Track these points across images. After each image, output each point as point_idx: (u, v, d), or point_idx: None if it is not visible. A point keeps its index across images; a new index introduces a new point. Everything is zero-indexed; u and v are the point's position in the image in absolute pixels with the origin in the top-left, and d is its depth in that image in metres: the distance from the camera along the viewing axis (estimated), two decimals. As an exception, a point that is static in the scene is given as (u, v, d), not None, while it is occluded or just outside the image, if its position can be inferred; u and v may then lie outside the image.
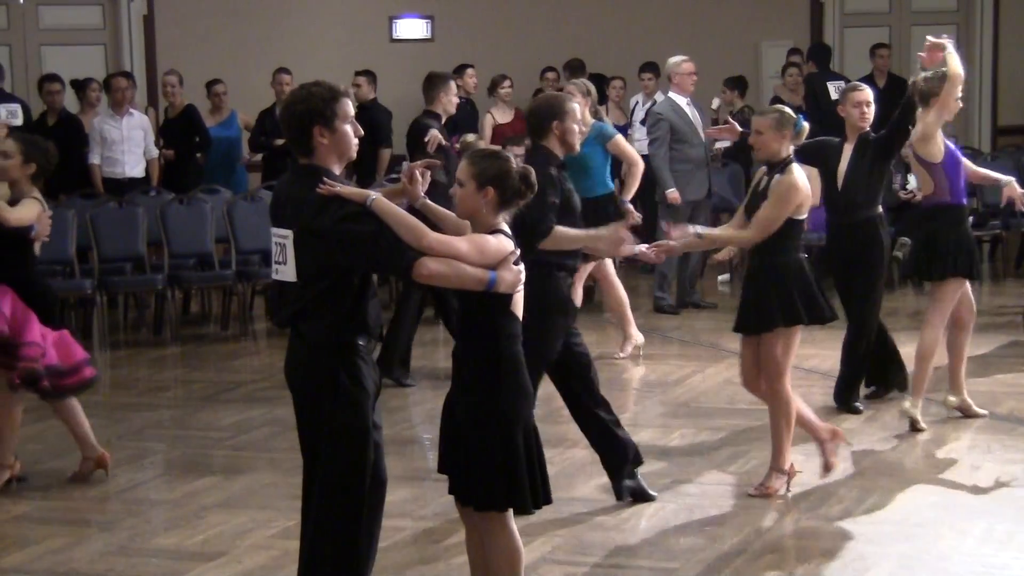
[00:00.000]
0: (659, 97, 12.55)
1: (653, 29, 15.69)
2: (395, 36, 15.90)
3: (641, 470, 7.07)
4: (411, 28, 15.95)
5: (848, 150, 8.16)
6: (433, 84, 9.70)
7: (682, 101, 11.63)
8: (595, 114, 9.83)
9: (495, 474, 4.70)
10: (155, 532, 6.51)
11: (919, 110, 7.85)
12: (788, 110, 6.81)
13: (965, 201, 8.01)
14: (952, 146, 7.94)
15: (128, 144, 12.63)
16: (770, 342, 6.64)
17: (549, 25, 16.00)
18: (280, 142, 13.46)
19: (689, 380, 9.31)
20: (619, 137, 10.04)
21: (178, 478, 7.40)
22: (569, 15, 16.11)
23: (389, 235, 4.51)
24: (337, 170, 4.74)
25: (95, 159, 12.61)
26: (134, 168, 12.76)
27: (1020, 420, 8.06)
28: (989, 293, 12.81)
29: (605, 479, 7.01)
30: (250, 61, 14.65)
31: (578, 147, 6.59)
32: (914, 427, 7.86)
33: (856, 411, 8.26)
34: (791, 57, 15.05)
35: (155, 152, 12.97)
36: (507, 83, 14.19)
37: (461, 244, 4.60)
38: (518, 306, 4.76)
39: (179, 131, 13.20)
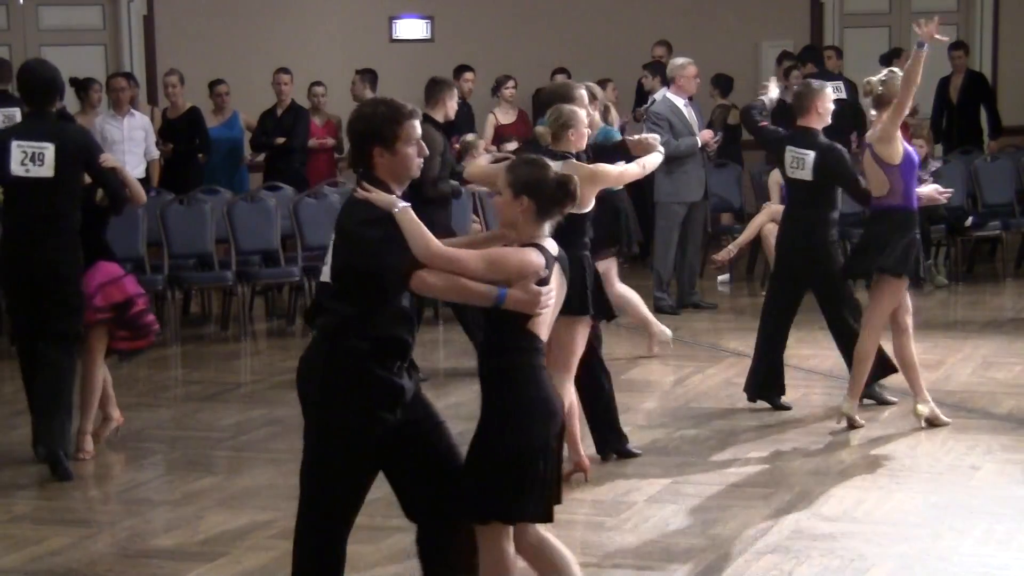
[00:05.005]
0: (658, 96, 12.54)
1: (653, 29, 15.68)
2: (395, 36, 15.91)
3: (641, 470, 7.14)
4: (411, 28, 15.96)
5: None
6: (438, 88, 9.73)
7: (680, 102, 11.65)
8: (604, 117, 9.83)
9: (475, 482, 4.66)
10: (155, 532, 6.51)
11: (872, 112, 7.84)
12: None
13: (916, 206, 7.81)
14: (911, 149, 7.80)
15: (129, 144, 12.60)
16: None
17: (549, 26, 16.01)
18: (281, 141, 13.47)
19: (689, 380, 9.31)
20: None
21: (178, 478, 7.41)
22: (569, 15, 16.12)
23: (397, 243, 4.49)
24: (397, 190, 4.67)
25: (96, 159, 12.60)
26: (135, 168, 12.70)
27: (1020, 420, 8.06)
28: (990, 294, 12.82)
29: (605, 479, 7.02)
30: (250, 61, 14.65)
31: (587, 131, 7.12)
32: (851, 425, 7.88)
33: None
34: (786, 61, 15.07)
35: (156, 153, 12.95)
36: (511, 83, 14.18)
37: (470, 260, 4.55)
38: (541, 325, 4.65)
39: (182, 132, 13.20)
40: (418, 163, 4.71)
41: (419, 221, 4.54)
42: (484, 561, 4.74)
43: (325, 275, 4.70)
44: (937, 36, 7.49)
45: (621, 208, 9.49)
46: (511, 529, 4.73)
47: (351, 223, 4.58)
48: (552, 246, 4.69)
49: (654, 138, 7.68)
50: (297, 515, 4.78)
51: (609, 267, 9.90)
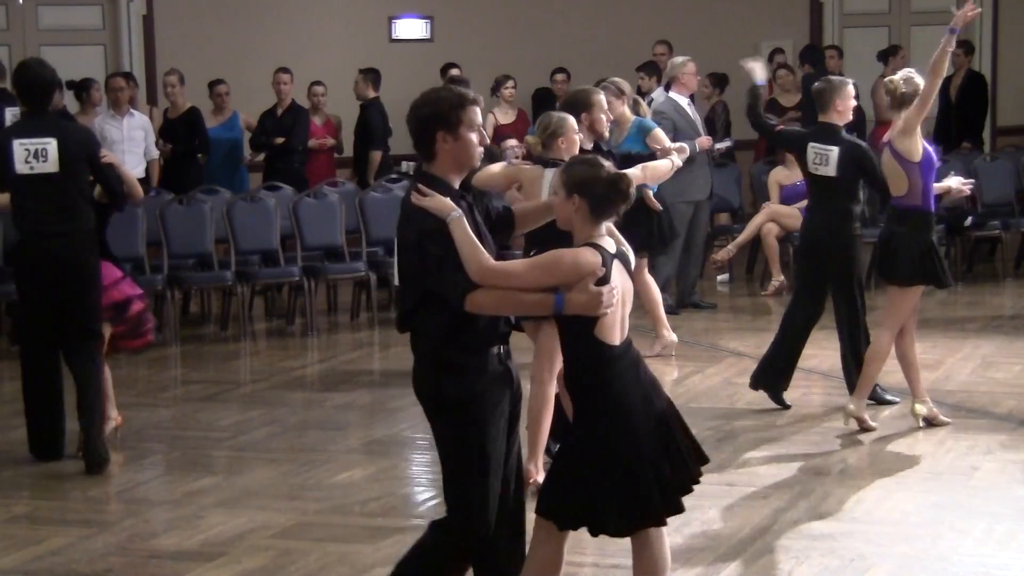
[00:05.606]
0: (658, 95, 12.54)
1: (653, 29, 15.68)
2: (395, 36, 15.91)
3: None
4: (411, 28, 15.96)
5: None
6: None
7: (683, 101, 11.66)
8: (634, 109, 9.93)
9: (549, 479, 4.67)
10: (155, 532, 6.50)
11: (897, 112, 7.80)
12: None
13: (933, 208, 7.79)
14: (931, 149, 7.75)
15: (128, 144, 12.58)
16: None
17: (548, 26, 16.01)
18: (280, 141, 13.46)
19: (689, 380, 9.31)
20: (657, 130, 9.99)
21: (178, 478, 7.40)
22: (568, 16, 16.11)
23: (453, 261, 4.46)
24: (456, 180, 4.67)
25: (95, 159, 12.59)
26: (134, 168, 12.67)
27: (1020, 420, 8.06)
28: (989, 293, 12.82)
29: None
30: (250, 61, 14.65)
31: (607, 134, 7.59)
32: (862, 426, 7.86)
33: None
34: (777, 57, 15.07)
35: (155, 153, 12.94)
36: (510, 83, 14.16)
37: (523, 270, 4.51)
38: (611, 328, 4.56)
39: (181, 132, 13.18)
40: (479, 152, 4.70)
41: (471, 233, 4.49)
42: (530, 553, 4.72)
43: (396, 277, 4.72)
44: (970, 14, 7.51)
45: (656, 210, 9.71)
46: (565, 534, 4.70)
47: (411, 234, 4.55)
48: (610, 244, 4.62)
49: (681, 147, 7.76)
50: (446, 520, 4.69)
51: (640, 261, 9.96)
